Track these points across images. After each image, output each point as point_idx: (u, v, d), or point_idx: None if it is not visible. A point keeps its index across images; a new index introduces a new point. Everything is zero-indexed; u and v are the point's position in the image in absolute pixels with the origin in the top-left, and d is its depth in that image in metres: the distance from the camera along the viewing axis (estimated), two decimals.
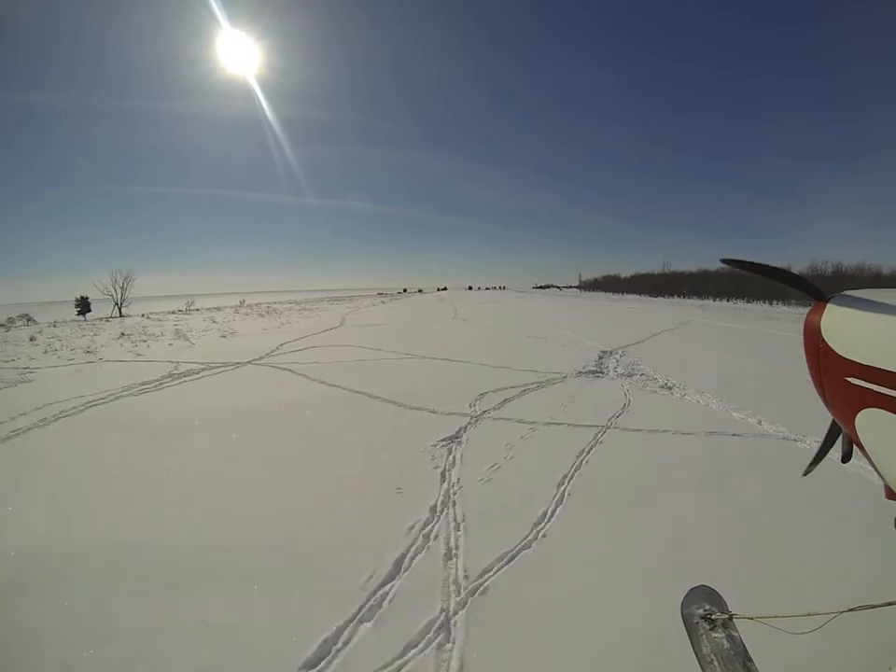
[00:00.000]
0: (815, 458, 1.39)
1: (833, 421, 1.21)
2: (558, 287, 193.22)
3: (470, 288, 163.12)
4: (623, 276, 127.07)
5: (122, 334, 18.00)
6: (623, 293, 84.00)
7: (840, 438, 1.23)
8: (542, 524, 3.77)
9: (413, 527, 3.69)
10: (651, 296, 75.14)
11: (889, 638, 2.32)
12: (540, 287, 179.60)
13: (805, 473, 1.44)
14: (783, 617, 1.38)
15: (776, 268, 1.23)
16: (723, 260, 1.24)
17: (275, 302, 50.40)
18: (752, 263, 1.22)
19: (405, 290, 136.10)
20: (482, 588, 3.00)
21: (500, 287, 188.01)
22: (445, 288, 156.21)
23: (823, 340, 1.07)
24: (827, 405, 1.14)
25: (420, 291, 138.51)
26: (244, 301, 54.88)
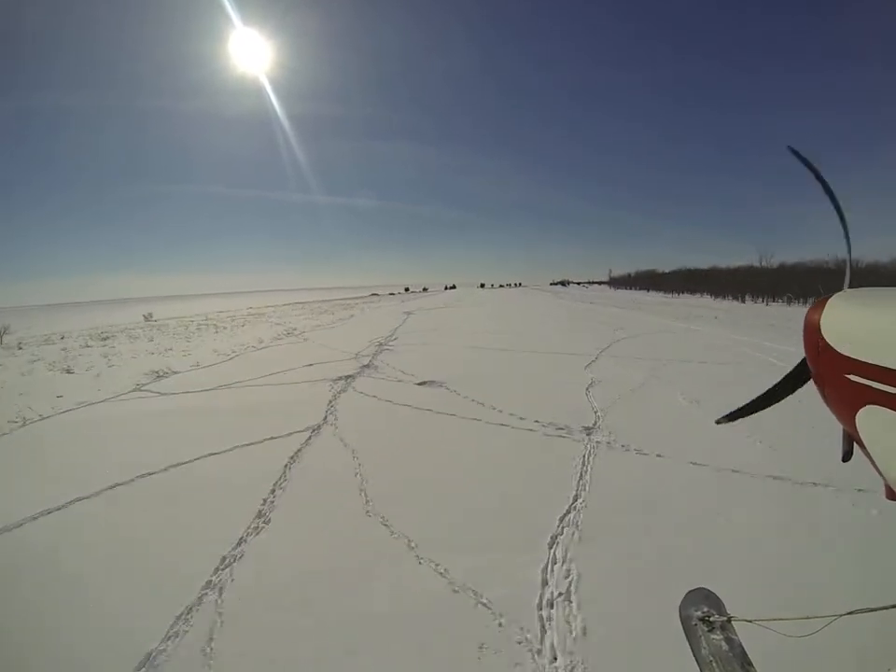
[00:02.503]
0: (734, 413, 1.38)
1: (774, 385, 1.28)
2: (578, 284, 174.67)
3: (483, 286, 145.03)
4: (660, 271, 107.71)
5: None
6: (678, 293, 65.16)
7: (843, 435, 1.22)
8: None
9: None
10: (720, 296, 56.52)
11: (889, 641, 2.29)
12: (560, 284, 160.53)
13: (718, 422, 1.46)
14: (782, 620, 1.39)
15: (832, 192, 1.28)
16: (790, 148, 1.34)
17: (206, 316, 34.54)
18: (817, 172, 1.30)
19: (407, 289, 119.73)
20: None
21: (516, 285, 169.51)
22: (454, 286, 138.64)
23: (823, 338, 1.07)
24: (827, 403, 1.14)
25: (425, 290, 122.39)
26: (150, 314, 38.74)
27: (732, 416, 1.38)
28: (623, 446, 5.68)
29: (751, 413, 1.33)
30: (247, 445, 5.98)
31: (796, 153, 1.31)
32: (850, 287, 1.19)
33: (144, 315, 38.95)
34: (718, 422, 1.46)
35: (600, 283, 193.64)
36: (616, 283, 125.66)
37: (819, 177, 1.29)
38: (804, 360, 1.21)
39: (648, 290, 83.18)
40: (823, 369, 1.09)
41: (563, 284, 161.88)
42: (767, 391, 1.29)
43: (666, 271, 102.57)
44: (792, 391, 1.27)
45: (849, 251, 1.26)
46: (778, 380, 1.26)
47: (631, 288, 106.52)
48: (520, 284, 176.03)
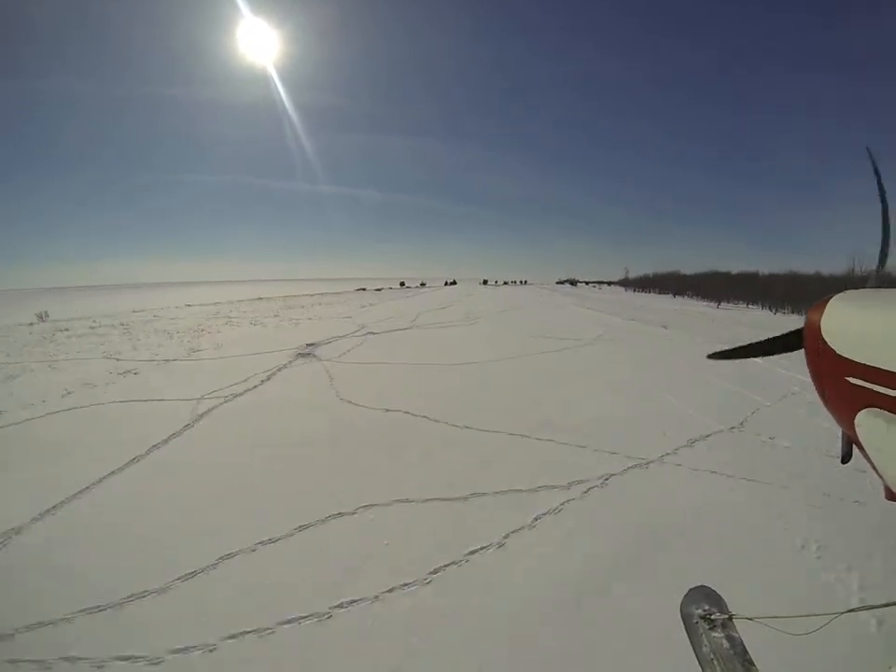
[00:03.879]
0: (726, 352, 1.49)
1: (767, 340, 1.38)
2: (587, 284, 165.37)
3: (485, 283, 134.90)
4: (681, 273, 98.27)
5: None
6: (715, 301, 55.33)
7: (841, 436, 1.23)
8: None
9: None
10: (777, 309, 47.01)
11: (889, 639, 2.35)
12: (569, 283, 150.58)
13: (710, 356, 1.59)
14: (783, 617, 1.39)
15: (756, 344, 1.42)
16: (710, 356, 1.58)
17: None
18: (737, 349, 1.48)
19: (402, 284, 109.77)
20: None
21: (522, 282, 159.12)
22: (454, 282, 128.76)
23: (823, 340, 1.07)
24: (826, 405, 1.15)
25: (422, 285, 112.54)
26: (46, 313, 29.44)
27: (724, 354, 1.51)
28: None
29: (742, 357, 1.45)
30: None
31: (871, 156, 1.37)
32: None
33: (37, 315, 29.86)
34: (710, 356, 1.57)
35: (609, 283, 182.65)
36: (630, 284, 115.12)
37: (879, 182, 1.35)
38: (799, 330, 1.23)
39: (674, 296, 72.87)
40: (823, 370, 1.07)
41: (572, 283, 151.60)
42: (762, 343, 1.37)
43: (687, 273, 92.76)
44: (782, 352, 1.33)
45: (884, 258, 1.35)
46: (774, 337, 1.32)
47: (649, 291, 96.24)
48: (525, 281, 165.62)
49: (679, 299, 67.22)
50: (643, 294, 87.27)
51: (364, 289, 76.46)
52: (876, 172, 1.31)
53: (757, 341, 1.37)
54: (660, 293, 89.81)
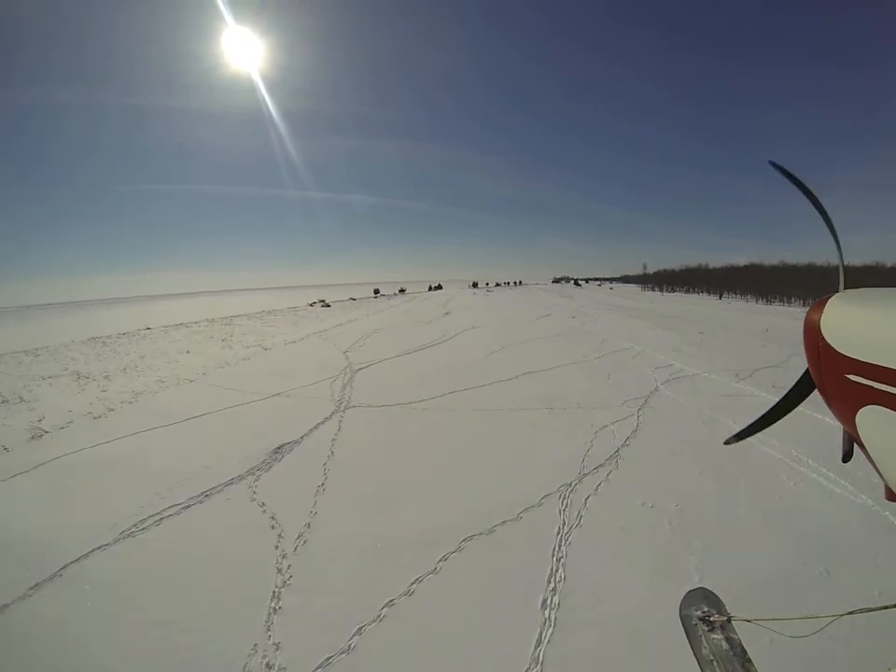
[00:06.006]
0: (744, 430, 1.34)
1: (782, 399, 1.24)
2: (586, 282, 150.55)
3: (475, 285, 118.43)
4: (710, 266, 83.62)
5: None
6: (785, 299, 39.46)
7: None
8: None
9: None
10: None
11: (888, 640, 2.20)
12: (574, 282, 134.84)
13: (727, 442, 1.44)
14: (782, 619, 1.39)
15: (817, 200, 1.28)
16: (771, 163, 1.35)
17: None
18: (800, 183, 1.32)
19: (377, 291, 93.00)
20: None
21: (516, 283, 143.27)
22: (440, 286, 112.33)
23: (823, 338, 1.04)
24: (828, 403, 1.09)
25: (402, 291, 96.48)
26: None
27: (741, 435, 1.36)
28: None
29: (761, 430, 1.31)
30: None
31: (779, 167, 1.33)
32: (846, 287, 1.15)
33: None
34: (726, 442, 1.45)
35: (610, 280, 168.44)
36: (649, 281, 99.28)
37: (802, 187, 1.30)
38: (806, 371, 1.16)
39: (720, 296, 56.71)
40: (824, 369, 1.05)
41: (575, 282, 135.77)
42: (775, 406, 1.26)
43: (716, 265, 77.41)
44: (798, 403, 1.22)
45: (840, 255, 1.26)
46: (784, 394, 1.22)
47: (674, 289, 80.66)
48: (519, 282, 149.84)
49: (734, 303, 50.91)
50: (684, 295, 70.65)
51: (321, 301, 59.58)
52: (795, 181, 1.29)
53: (769, 409, 1.27)
54: (687, 291, 74.10)
